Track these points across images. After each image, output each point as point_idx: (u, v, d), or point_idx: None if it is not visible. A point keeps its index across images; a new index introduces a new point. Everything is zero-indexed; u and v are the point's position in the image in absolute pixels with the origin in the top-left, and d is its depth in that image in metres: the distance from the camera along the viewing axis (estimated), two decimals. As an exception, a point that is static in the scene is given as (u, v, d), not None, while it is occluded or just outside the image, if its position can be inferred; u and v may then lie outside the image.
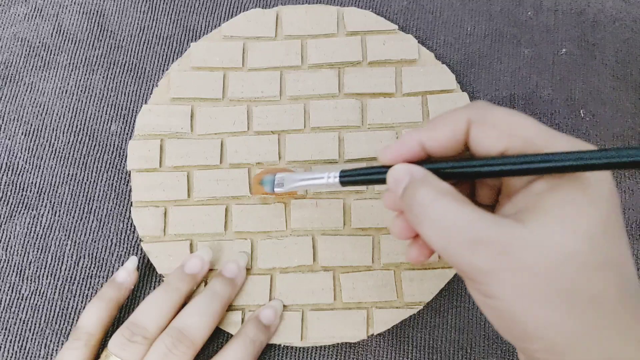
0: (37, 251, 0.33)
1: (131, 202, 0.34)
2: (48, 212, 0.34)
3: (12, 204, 0.34)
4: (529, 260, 0.18)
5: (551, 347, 0.19)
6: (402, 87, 0.35)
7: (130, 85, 0.36)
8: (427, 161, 0.22)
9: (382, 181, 0.23)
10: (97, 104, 0.36)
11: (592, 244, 0.18)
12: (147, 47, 0.37)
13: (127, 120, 0.35)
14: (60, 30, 0.37)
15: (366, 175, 0.24)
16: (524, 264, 0.18)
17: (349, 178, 0.25)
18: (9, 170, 0.34)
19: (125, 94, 0.36)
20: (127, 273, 0.31)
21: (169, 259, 0.32)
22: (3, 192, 0.34)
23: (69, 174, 0.34)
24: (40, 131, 0.35)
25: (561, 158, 0.19)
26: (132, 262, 0.31)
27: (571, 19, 0.38)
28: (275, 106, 0.34)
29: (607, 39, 0.38)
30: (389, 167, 0.23)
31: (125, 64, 0.37)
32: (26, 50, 0.37)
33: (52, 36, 0.37)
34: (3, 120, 0.35)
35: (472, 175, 0.21)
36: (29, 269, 0.33)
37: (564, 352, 0.19)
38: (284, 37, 0.36)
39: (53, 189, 0.34)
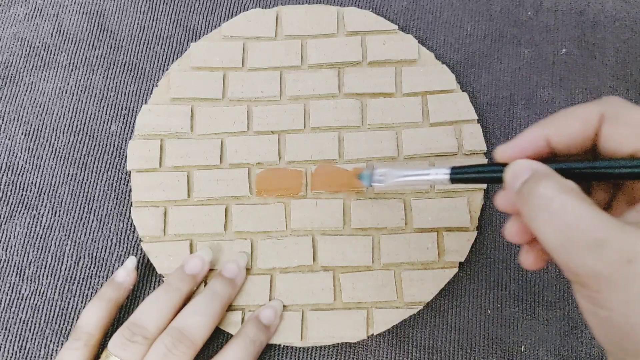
0: (37, 251, 0.33)
1: (131, 202, 0.34)
2: (48, 212, 0.34)
3: (12, 204, 0.34)
4: None
5: None
6: (402, 87, 0.35)
7: (130, 85, 0.36)
8: (549, 160, 0.21)
9: (498, 180, 0.21)
10: (97, 104, 0.36)
11: None
12: (147, 47, 0.37)
13: (127, 120, 0.35)
14: (60, 30, 0.37)
15: (480, 173, 0.23)
16: None
17: (461, 175, 0.23)
18: (9, 170, 0.34)
19: (125, 94, 0.36)
20: (126, 273, 0.31)
21: (169, 259, 0.32)
22: (3, 192, 0.34)
23: (69, 174, 0.34)
24: (40, 131, 0.35)
25: None
26: (131, 261, 0.31)
27: (571, 19, 0.38)
28: (275, 106, 0.34)
29: (607, 39, 0.38)
30: (506, 164, 0.21)
31: (125, 64, 0.37)
32: (26, 50, 0.37)
33: (52, 36, 0.37)
34: (3, 120, 0.35)
35: (599, 177, 0.20)
36: (29, 269, 0.33)
37: None
38: (284, 37, 0.36)
39: (53, 189, 0.34)
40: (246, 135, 0.34)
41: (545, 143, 0.21)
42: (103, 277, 0.33)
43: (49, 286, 0.33)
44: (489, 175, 0.22)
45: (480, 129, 0.34)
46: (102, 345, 0.29)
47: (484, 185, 0.33)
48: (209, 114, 0.34)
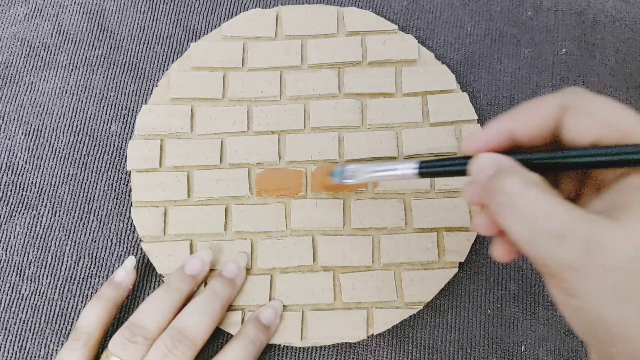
0: (37, 251, 0.33)
1: (131, 202, 0.34)
2: (48, 212, 0.34)
3: (12, 204, 0.34)
4: (622, 259, 0.17)
5: (637, 350, 0.18)
6: (402, 87, 0.35)
7: (130, 85, 0.36)
8: (513, 152, 0.21)
9: (464, 173, 0.22)
10: (97, 104, 0.36)
11: None
12: (147, 47, 0.37)
13: (127, 120, 0.35)
14: (60, 30, 0.37)
15: (448, 167, 0.23)
16: (616, 262, 0.17)
17: (429, 169, 0.24)
18: (9, 170, 0.34)
19: (125, 94, 0.36)
20: (125, 273, 0.31)
21: (169, 259, 0.32)
22: (3, 192, 0.34)
23: (69, 174, 0.34)
24: (40, 131, 0.35)
25: None
26: (131, 261, 0.31)
27: (571, 19, 0.38)
28: (275, 106, 0.34)
29: (607, 39, 0.38)
30: (471, 158, 0.22)
31: (125, 64, 0.37)
32: (26, 50, 0.37)
33: (52, 36, 0.37)
34: (3, 120, 0.35)
35: (564, 167, 0.20)
36: (29, 269, 0.33)
37: None
38: (284, 37, 0.36)
39: (53, 189, 0.34)
40: (246, 135, 0.34)
41: (508, 135, 0.21)
42: (103, 277, 0.33)
43: (49, 286, 0.33)
44: (456, 168, 0.22)
45: (480, 129, 0.34)
46: (102, 345, 0.29)
47: None
48: (209, 114, 0.34)
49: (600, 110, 0.19)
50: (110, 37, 0.37)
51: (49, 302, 0.32)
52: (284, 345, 0.32)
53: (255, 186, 0.33)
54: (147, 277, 0.33)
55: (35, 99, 0.36)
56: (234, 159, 0.34)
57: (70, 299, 0.33)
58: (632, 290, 0.17)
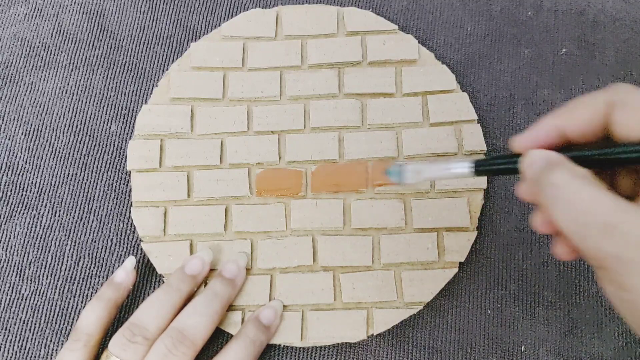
0: (37, 251, 0.33)
1: (131, 202, 0.34)
2: (48, 212, 0.34)
3: (12, 204, 0.34)
4: None
5: None
6: (402, 87, 0.35)
7: (130, 85, 0.36)
8: (564, 149, 0.21)
9: (516, 170, 0.22)
10: (97, 104, 0.36)
11: None
12: (147, 47, 0.37)
13: (127, 120, 0.35)
14: (60, 30, 0.37)
15: (500, 165, 0.23)
16: None
17: (484, 168, 0.24)
18: (9, 170, 0.34)
19: (125, 94, 0.36)
20: (125, 273, 0.31)
21: (169, 259, 0.32)
22: (3, 192, 0.34)
23: (69, 174, 0.34)
24: (40, 131, 0.35)
25: None
26: (131, 261, 0.31)
27: (571, 19, 0.38)
28: (275, 106, 0.34)
29: (607, 39, 0.38)
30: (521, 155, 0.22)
31: (125, 64, 0.37)
32: (26, 50, 0.37)
33: (52, 36, 0.37)
34: (3, 120, 0.35)
35: (612, 163, 0.20)
36: (29, 269, 0.33)
37: None
38: (284, 37, 0.36)
39: (53, 189, 0.34)
40: (246, 135, 0.34)
41: (558, 133, 0.21)
42: (103, 277, 0.33)
43: (49, 286, 0.33)
44: (507, 166, 0.23)
45: (480, 129, 0.34)
46: (102, 345, 0.29)
47: (484, 185, 0.33)
48: (209, 114, 0.34)
49: None
50: (110, 37, 0.37)
51: (49, 302, 0.32)
52: (284, 345, 0.32)
53: (255, 186, 0.33)
54: (147, 277, 0.33)
55: (35, 99, 0.36)
56: (234, 159, 0.34)
57: (70, 299, 0.33)
58: None
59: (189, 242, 0.32)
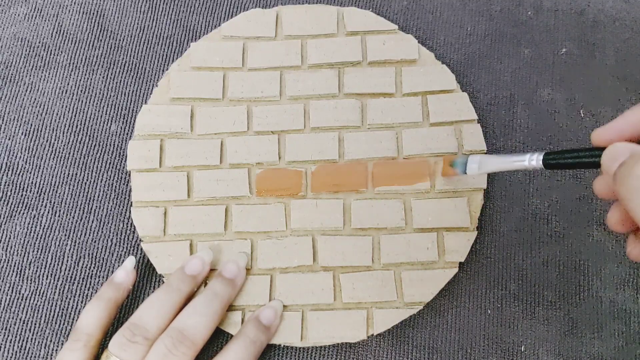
0: (37, 251, 0.33)
1: (131, 202, 0.34)
2: (48, 212, 0.34)
3: (12, 204, 0.34)
4: None
5: None
6: (402, 87, 0.35)
7: (130, 85, 0.36)
8: None
9: (595, 165, 0.21)
10: (97, 104, 0.36)
11: None
12: (147, 47, 0.37)
13: (127, 120, 0.35)
14: (60, 30, 0.37)
15: (575, 158, 0.22)
16: None
17: (555, 160, 0.23)
18: (9, 170, 0.34)
19: (125, 94, 0.36)
20: (125, 273, 0.31)
21: (169, 259, 0.32)
22: (3, 192, 0.34)
23: (69, 174, 0.35)
24: (40, 131, 0.35)
25: None
26: (131, 261, 0.31)
27: (571, 19, 0.38)
28: (275, 106, 0.34)
29: (607, 39, 0.38)
30: (604, 148, 0.20)
31: (125, 64, 0.37)
32: (26, 50, 0.37)
33: (52, 36, 0.37)
34: (3, 120, 0.35)
35: None
36: (29, 269, 0.33)
37: None
38: (284, 37, 0.36)
39: (53, 189, 0.34)
40: (246, 135, 0.34)
41: None
42: (103, 277, 0.33)
43: (49, 286, 0.33)
44: (586, 160, 0.21)
45: (480, 129, 0.34)
46: (102, 345, 0.29)
47: (484, 185, 0.33)
48: (209, 114, 0.34)
49: None
50: (110, 37, 0.37)
51: (49, 302, 0.32)
52: (284, 345, 0.32)
53: (255, 186, 0.33)
54: (147, 277, 0.33)
55: (35, 99, 0.36)
56: (234, 159, 0.34)
57: (70, 299, 0.33)
58: None
59: (189, 242, 0.32)
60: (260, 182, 0.33)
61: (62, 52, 0.37)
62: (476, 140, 0.34)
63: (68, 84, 0.36)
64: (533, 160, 0.24)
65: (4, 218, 0.34)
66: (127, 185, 0.34)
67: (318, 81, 0.35)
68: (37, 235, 0.33)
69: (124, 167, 0.35)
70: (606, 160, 0.20)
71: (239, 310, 0.31)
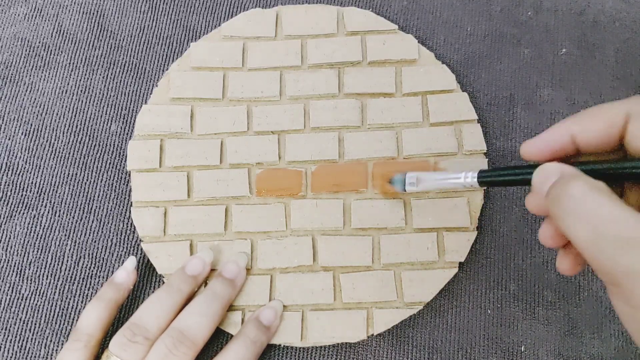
0: (37, 251, 0.33)
1: (131, 202, 0.34)
2: (48, 212, 0.34)
3: (12, 204, 0.34)
4: None
5: None
6: (402, 87, 0.35)
7: (130, 85, 0.36)
8: (576, 162, 0.21)
9: (526, 182, 0.21)
10: (97, 104, 0.36)
11: None
12: (147, 47, 0.37)
13: (127, 120, 0.35)
14: (60, 30, 0.37)
15: (508, 176, 0.23)
16: None
17: (489, 179, 0.24)
18: (9, 170, 0.34)
19: (125, 94, 0.36)
20: (126, 273, 0.31)
21: (169, 259, 0.32)
22: (3, 192, 0.34)
23: (69, 174, 0.34)
24: (40, 131, 0.35)
25: None
26: (131, 262, 0.31)
27: (571, 19, 0.38)
28: (275, 106, 0.34)
29: (607, 39, 0.38)
30: (534, 166, 0.21)
31: (125, 64, 0.37)
32: (26, 50, 0.37)
33: (52, 36, 0.37)
34: (3, 120, 0.35)
35: (625, 177, 0.20)
36: (29, 269, 0.33)
37: None
38: (283, 37, 0.36)
39: (53, 189, 0.34)
40: (246, 135, 0.34)
41: (570, 140, 0.21)
42: (103, 277, 0.33)
43: (49, 286, 0.33)
44: (518, 177, 0.22)
45: (480, 129, 0.34)
46: (103, 345, 0.29)
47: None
48: (208, 114, 0.34)
49: None
50: (110, 37, 0.37)
51: (49, 302, 0.32)
52: (284, 346, 0.32)
53: (255, 186, 0.33)
54: (147, 277, 0.33)
55: (35, 99, 0.36)
56: (234, 159, 0.34)
57: (70, 299, 0.33)
58: None
59: (189, 242, 0.32)
60: (260, 182, 0.33)
61: (62, 52, 0.37)
62: (476, 140, 0.34)
63: (68, 84, 0.36)
64: (468, 178, 0.24)
65: (4, 218, 0.34)
66: (127, 185, 0.34)
67: (318, 81, 0.35)
68: (37, 235, 0.33)
69: (124, 167, 0.35)
70: (537, 180, 0.21)
71: (239, 310, 0.31)
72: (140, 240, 0.33)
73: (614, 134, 0.20)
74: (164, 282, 0.33)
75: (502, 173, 0.23)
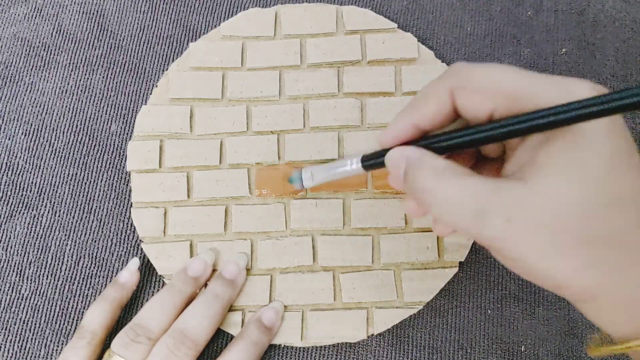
0: (37, 251, 0.33)
1: (131, 203, 0.34)
2: (48, 212, 0.34)
3: (12, 204, 0.34)
4: (538, 219, 0.18)
5: (582, 292, 0.19)
6: (402, 86, 0.35)
7: (130, 85, 0.36)
8: (423, 138, 0.22)
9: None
10: (97, 104, 0.36)
11: (597, 185, 0.18)
12: (147, 47, 0.37)
13: (127, 120, 0.35)
14: (60, 30, 0.37)
15: (376, 159, 0.24)
16: (534, 223, 0.18)
17: (370, 162, 0.25)
18: (9, 170, 0.34)
19: (125, 94, 0.36)
20: (129, 274, 0.31)
21: (169, 259, 0.32)
22: (3, 192, 0.34)
23: (69, 174, 0.35)
24: (40, 131, 0.35)
25: (545, 114, 0.18)
26: (134, 263, 0.31)
27: (571, 19, 0.38)
28: (274, 106, 0.34)
29: (607, 39, 0.38)
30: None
31: (125, 64, 0.36)
32: (26, 50, 0.37)
33: (52, 36, 0.37)
34: (3, 120, 0.35)
35: (463, 146, 0.21)
36: (29, 269, 0.33)
37: (596, 295, 0.19)
38: (283, 36, 0.36)
39: (53, 189, 0.34)
40: (246, 135, 0.34)
41: (414, 127, 0.22)
42: (103, 277, 0.33)
43: (49, 286, 0.33)
44: (379, 160, 0.24)
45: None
46: (105, 345, 0.29)
47: None
48: (208, 114, 0.34)
49: (484, 82, 0.20)
50: (110, 37, 0.37)
51: (49, 302, 0.32)
52: (284, 345, 0.32)
53: (254, 186, 0.33)
54: (147, 278, 0.33)
55: (35, 99, 0.36)
56: (234, 159, 0.34)
57: (70, 299, 0.33)
58: (556, 244, 0.18)
59: (189, 242, 0.32)
60: (259, 182, 0.33)
61: (62, 52, 0.37)
62: None
63: (68, 84, 0.36)
64: (354, 164, 0.25)
65: (4, 218, 0.34)
66: (127, 185, 0.34)
67: (317, 80, 0.35)
68: (37, 235, 0.33)
69: (124, 167, 0.35)
70: (388, 166, 0.23)
71: (239, 310, 0.32)
72: (140, 241, 0.33)
73: (447, 111, 0.21)
74: (164, 283, 0.33)
75: (377, 156, 0.24)
